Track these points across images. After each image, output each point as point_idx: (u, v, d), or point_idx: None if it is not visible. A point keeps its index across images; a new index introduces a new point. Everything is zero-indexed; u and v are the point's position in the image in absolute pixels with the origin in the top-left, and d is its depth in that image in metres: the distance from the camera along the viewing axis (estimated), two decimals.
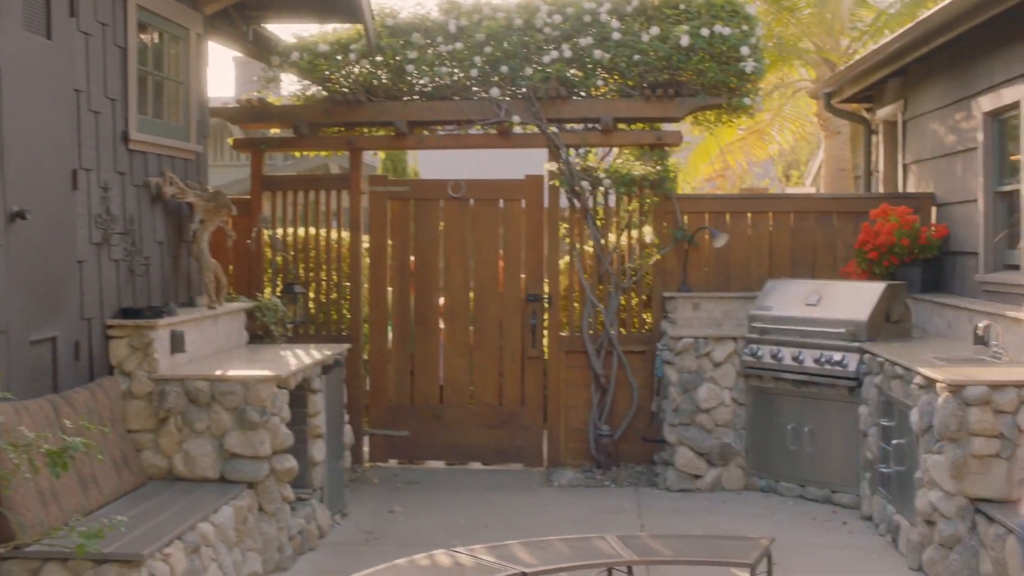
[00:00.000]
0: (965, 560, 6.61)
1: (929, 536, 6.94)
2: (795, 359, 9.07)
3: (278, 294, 10.21)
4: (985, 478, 6.58)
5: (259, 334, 9.50)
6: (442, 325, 10.62)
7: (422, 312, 10.62)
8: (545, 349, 10.47)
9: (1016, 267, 8.49)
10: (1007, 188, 8.76)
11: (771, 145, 18.48)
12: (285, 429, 7.32)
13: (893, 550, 7.68)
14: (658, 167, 10.16)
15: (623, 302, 10.35)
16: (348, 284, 10.58)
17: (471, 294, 10.55)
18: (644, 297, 10.44)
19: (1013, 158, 8.67)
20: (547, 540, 5.87)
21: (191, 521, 6.21)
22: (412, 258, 10.63)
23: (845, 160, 15.26)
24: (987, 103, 8.90)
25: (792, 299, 9.40)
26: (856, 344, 8.76)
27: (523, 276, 10.45)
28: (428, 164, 21.27)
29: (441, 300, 10.63)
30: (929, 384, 6.98)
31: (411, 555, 5.65)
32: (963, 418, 6.58)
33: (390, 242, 10.59)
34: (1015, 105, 8.39)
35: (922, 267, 9.91)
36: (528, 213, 10.45)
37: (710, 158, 18.32)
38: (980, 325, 7.81)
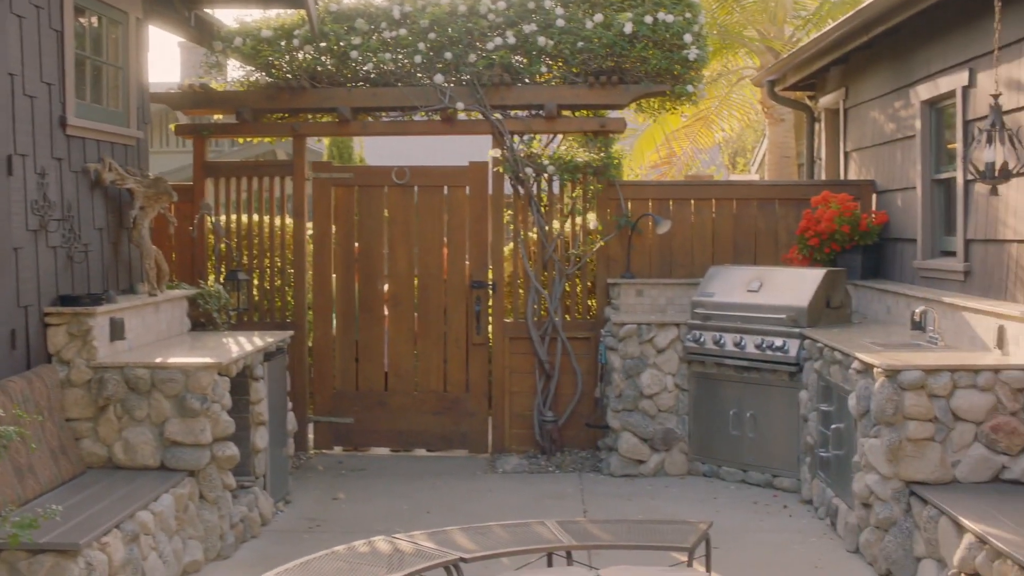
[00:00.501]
0: (900, 541, 6.70)
1: (866, 519, 7.03)
2: (737, 345, 9.14)
3: (221, 281, 10.14)
4: (920, 461, 6.67)
5: (202, 321, 9.45)
6: (387, 312, 10.59)
7: (367, 299, 10.58)
8: (490, 335, 10.48)
9: (952, 254, 8.61)
10: (944, 176, 8.87)
11: (717, 132, 18.58)
12: (226, 417, 7.29)
13: (832, 533, 7.78)
14: (602, 154, 10.19)
15: (567, 288, 10.38)
16: (292, 271, 10.52)
17: (416, 281, 10.53)
18: (588, 283, 10.47)
19: (950, 146, 8.78)
20: (486, 526, 5.88)
21: (130, 510, 6.18)
22: (356, 245, 10.59)
23: (789, 147, 15.38)
24: (925, 92, 9.00)
25: (734, 285, 9.47)
26: (797, 330, 8.84)
27: (467, 263, 10.44)
28: (375, 150, 21.20)
29: (385, 287, 10.60)
30: (866, 369, 7.07)
31: (353, 541, 5.64)
32: (899, 402, 6.66)
33: (334, 229, 10.54)
34: (951, 94, 8.50)
35: (863, 253, 10.03)
36: (472, 200, 10.44)
37: (656, 145, 18.39)
38: (917, 311, 7.92)
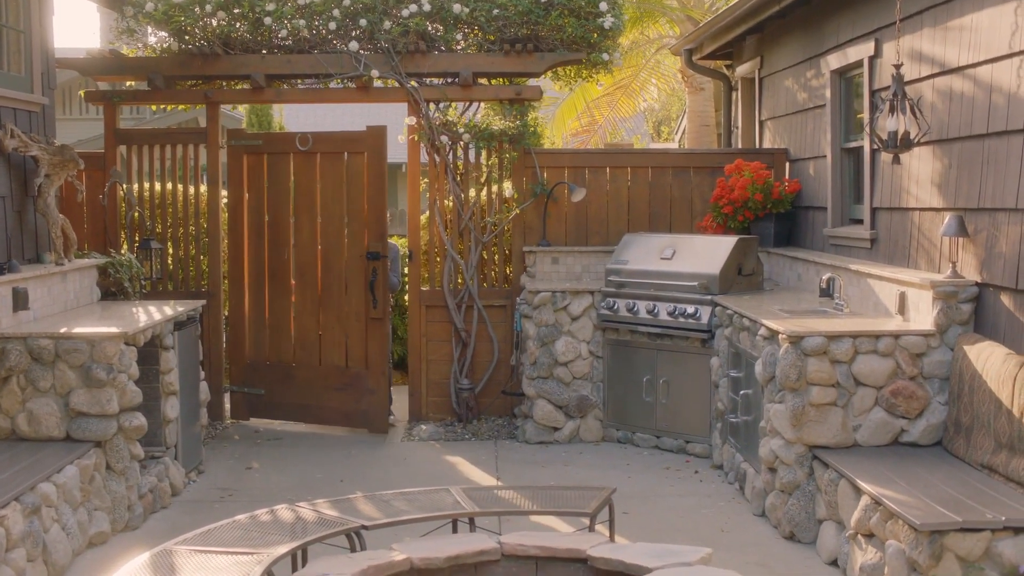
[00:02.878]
0: (803, 504, 6.82)
1: (771, 483, 7.14)
2: (650, 312, 9.21)
3: (135, 251, 10.02)
4: (822, 426, 6.78)
5: (113, 291, 9.32)
6: (293, 283, 10.46)
7: (275, 269, 10.43)
8: (405, 303, 10.44)
9: (860, 221, 8.73)
10: (853, 145, 8.98)
11: (638, 101, 18.63)
12: (134, 386, 7.22)
13: (740, 497, 7.89)
14: (518, 122, 10.19)
15: (484, 256, 10.39)
16: (207, 240, 10.42)
17: (319, 251, 10.31)
18: (505, 251, 10.49)
19: (859, 116, 8.89)
20: (390, 493, 5.88)
21: (31, 481, 6.10)
22: (266, 213, 10.46)
23: (709, 116, 15.48)
24: (834, 61, 9.10)
25: (648, 253, 9.53)
26: (708, 297, 8.93)
27: (366, 232, 10.19)
28: (298, 119, 21.03)
29: (292, 257, 10.42)
30: (772, 335, 7.16)
31: (257, 510, 5.62)
32: (802, 368, 6.76)
33: (247, 197, 10.43)
34: (859, 64, 8.60)
35: (775, 221, 10.14)
36: (370, 167, 10.14)
37: (577, 113, 18.42)
38: (824, 278, 8.03)
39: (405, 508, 5.67)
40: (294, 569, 5.23)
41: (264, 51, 10.18)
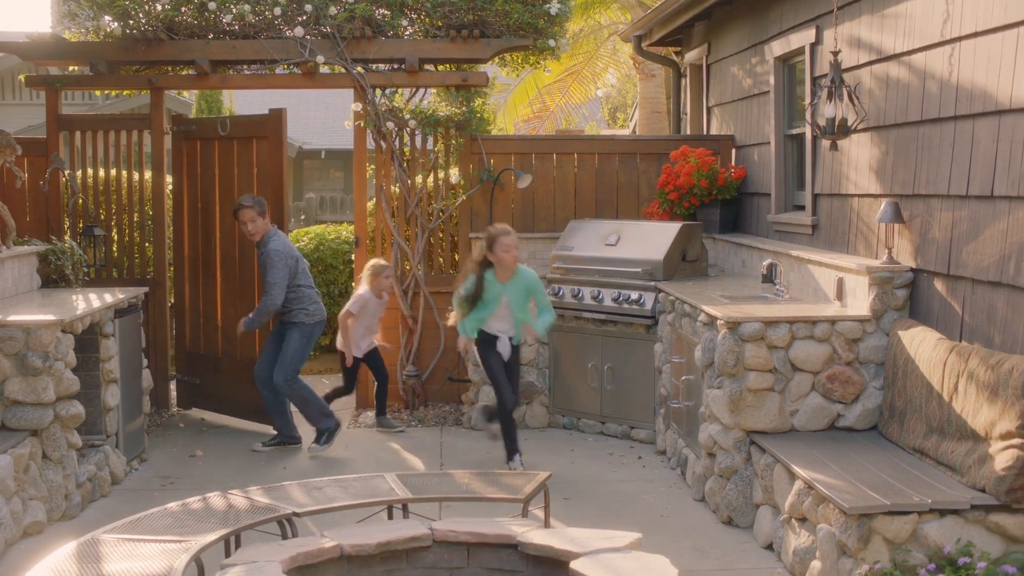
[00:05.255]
0: (740, 489, 6.87)
1: (710, 468, 7.18)
2: (595, 298, 9.23)
3: (78, 238, 9.93)
4: (759, 411, 6.83)
5: (55, 279, 9.23)
6: (219, 271, 10.25)
7: (205, 257, 10.27)
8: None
9: (802, 208, 8.79)
10: (796, 131, 9.03)
11: (590, 87, 18.64)
12: (71, 375, 7.16)
13: (682, 482, 7.93)
14: (464, 108, 10.17)
15: (431, 243, 10.37)
16: (152, 226, 10.34)
17: (237, 239, 9.96)
18: (452, 238, 10.48)
19: (802, 102, 8.93)
20: (324, 480, 5.88)
21: None
22: (199, 200, 10.33)
23: (660, 103, 15.51)
24: (778, 48, 9.14)
25: (593, 239, 9.55)
26: (652, 283, 8.96)
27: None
28: (251, 105, 20.85)
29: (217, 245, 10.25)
30: (711, 321, 7.19)
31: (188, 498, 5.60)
32: (739, 353, 6.80)
33: (187, 183, 10.34)
34: (801, 51, 8.65)
35: (721, 207, 10.19)
36: (270, 152, 9.84)
37: (528, 100, 18.42)
38: (764, 264, 8.08)
39: (339, 495, 5.67)
40: (227, 556, 5.21)
41: (210, 36, 10.09)
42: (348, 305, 9.44)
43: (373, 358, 9.62)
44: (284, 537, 5.31)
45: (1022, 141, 5.61)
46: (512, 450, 8.15)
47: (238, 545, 5.31)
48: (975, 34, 6.07)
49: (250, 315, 9.00)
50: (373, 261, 9.55)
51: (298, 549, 4.83)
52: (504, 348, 8.11)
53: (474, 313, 8.06)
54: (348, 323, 9.34)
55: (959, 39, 6.25)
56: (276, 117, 9.90)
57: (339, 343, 9.48)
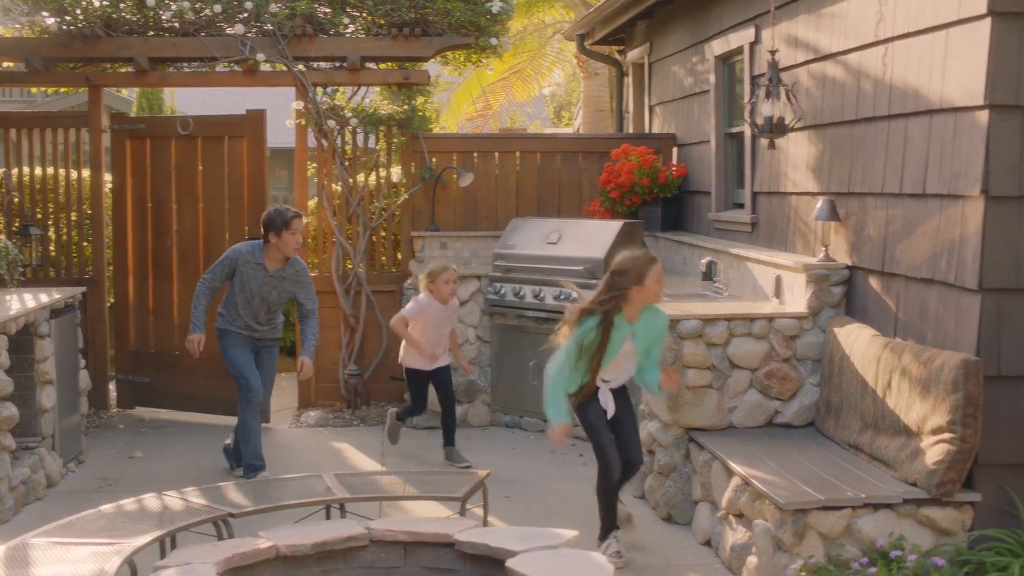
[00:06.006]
0: (679, 486, 6.90)
1: (650, 465, 7.21)
2: (536, 297, 9.24)
3: (13, 237, 9.79)
4: (698, 408, 6.86)
5: None
6: (175, 269, 10.28)
7: (158, 255, 10.29)
8: None
9: (742, 206, 8.85)
10: (735, 130, 9.09)
11: (534, 86, 18.67)
12: (3, 376, 7.07)
13: None
14: (406, 106, 10.15)
15: (373, 241, 10.34)
16: (91, 225, 10.23)
17: (201, 236, 10.18)
18: (394, 237, 10.46)
19: (742, 101, 9.00)
20: (260, 481, 5.85)
21: None
22: (149, 198, 10.28)
23: (604, 101, 15.57)
24: (718, 47, 9.19)
25: (534, 238, 9.56)
26: (594, 281, 8.92)
27: (246, 217, 10.09)
28: (194, 103, 20.67)
29: (174, 243, 10.26)
30: None
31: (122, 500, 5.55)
32: (678, 351, 6.83)
33: (130, 182, 10.25)
34: (740, 50, 8.70)
35: (663, 206, 10.24)
36: (250, 151, 10.04)
37: (472, 98, 18.41)
38: (703, 262, 8.13)
39: (276, 495, 5.64)
40: (163, 558, 5.16)
41: (149, 33, 10.00)
42: (403, 310, 8.52)
43: (441, 377, 8.56)
44: (220, 538, 5.27)
45: (952, 140, 5.68)
46: (609, 527, 6.29)
47: (174, 547, 5.26)
48: (907, 35, 6.14)
49: (310, 347, 8.11)
50: (433, 264, 8.57)
51: (233, 550, 4.79)
52: (608, 402, 6.27)
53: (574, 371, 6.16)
54: (400, 328, 8.36)
55: (892, 40, 6.32)
56: (257, 117, 10.03)
57: (401, 356, 8.61)
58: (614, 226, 9.28)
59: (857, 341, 6.35)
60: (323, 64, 10.34)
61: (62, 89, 11.12)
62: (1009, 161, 5.39)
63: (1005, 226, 5.42)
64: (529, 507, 7.31)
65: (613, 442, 6.18)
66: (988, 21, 5.35)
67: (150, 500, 5.49)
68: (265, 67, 10.11)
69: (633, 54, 12.48)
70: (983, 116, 5.42)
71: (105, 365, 10.22)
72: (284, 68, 10.08)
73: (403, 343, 8.49)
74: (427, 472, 6.26)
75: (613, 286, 6.03)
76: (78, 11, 9.81)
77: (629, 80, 12.99)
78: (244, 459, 7.90)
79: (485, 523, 5.90)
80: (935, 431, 5.44)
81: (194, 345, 8.04)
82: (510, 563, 4.56)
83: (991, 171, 5.38)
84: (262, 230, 7.92)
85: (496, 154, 10.56)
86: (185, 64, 10.46)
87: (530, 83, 18.18)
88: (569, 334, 6.14)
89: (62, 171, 10.27)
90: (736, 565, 5.96)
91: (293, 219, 7.86)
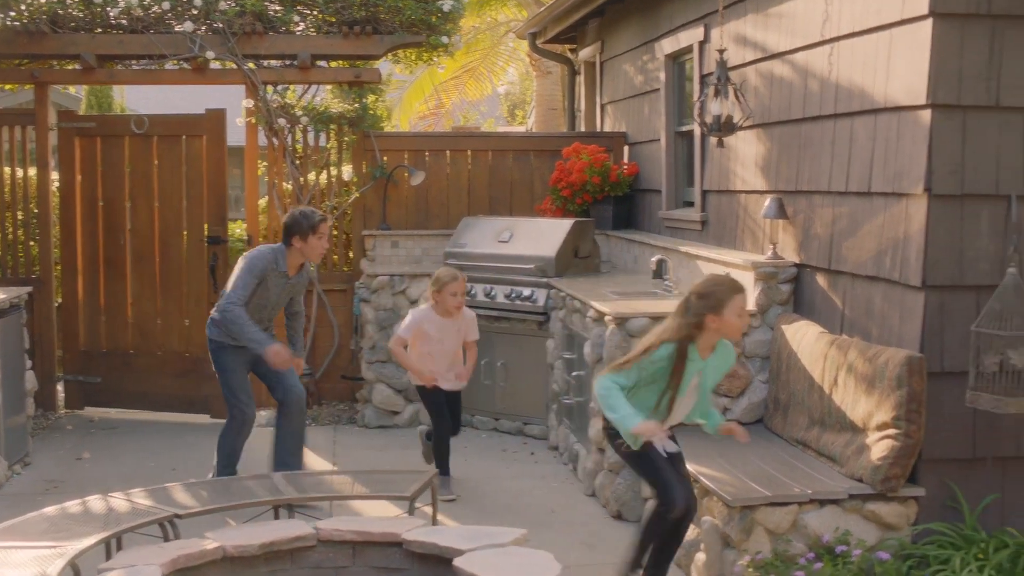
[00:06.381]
0: (629, 484, 6.93)
1: (600, 462, 7.23)
2: (488, 295, 9.24)
3: None
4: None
5: None
6: (129, 268, 10.21)
7: (110, 254, 10.22)
8: None
9: (692, 204, 8.89)
10: (685, 128, 9.14)
11: (488, 85, 18.67)
12: None
13: (573, 478, 7.98)
14: (356, 104, 10.12)
15: None
16: (37, 224, 10.12)
17: (157, 236, 10.14)
18: (345, 235, 10.42)
19: (692, 100, 9.04)
20: (209, 481, 5.81)
21: None
22: (100, 197, 10.20)
23: (556, 100, 15.60)
24: (668, 46, 9.23)
25: (486, 236, 9.57)
26: (544, 280, 9.00)
27: (205, 217, 10.09)
28: (144, 101, 20.51)
29: (128, 242, 10.19)
30: (600, 317, 7.25)
31: (66, 502, 5.49)
32: (627, 349, 6.83)
33: (79, 180, 10.16)
34: (689, 49, 8.74)
35: (614, 204, 10.27)
36: (210, 150, 10.01)
37: (424, 96, 18.39)
38: (653, 260, 8.16)
39: (224, 495, 5.60)
40: (108, 561, 5.12)
41: (97, 30, 9.90)
42: (399, 327, 7.65)
43: (452, 404, 7.70)
44: (166, 539, 5.23)
45: (896, 139, 5.74)
46: (636, 562, 5.52)
47: (119, 549, 5.21)
48: (852, 35, 6.19)
49: (297, 351, 7.77)
50: (441, 270, 7.62)
51: (179, 551, 4.76)
52: (668, 442, 5.52)
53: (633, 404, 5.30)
54: (398, 351, 7.51)
55: (837, 39, 6.38)
56: (217, 117, 10.00)
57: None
58: (565, 224, 9.30)
59: (804, 338, 6.40)
60: (273, 62, 10.28)
61: (7, 86, 10.95)
62: (951, 160, 5.45)
63: (947, 224, 5.49)
64: (481, 505, 7.31)
65: (679, 480, 5.40)
66: (930, 22, 5.41)
67: (95, 502, 5.44)
68: (215, 65, 10.02)
69: (585, 53, 12.51)
70: (926, 115, 5.47)
71: (52, 366, 10.12)
72: (234, 66, 10.01)
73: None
74: (377, 471, 6.25)
75: (690, 310, 5.26)
76: (23, 7, 9.71)
77: (581, 79, 13.02)
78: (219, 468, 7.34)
79: (434, 522, 5.89)
80: (880, 427, 5.50)
81: (284, 355, 7.19)
82: (457, 562, 4.56)
83: (933, 170, 5.44)
84: (284, 233, 7.26)
85: (447, 152, 10.56)
86: (133, 61, 10.36)
87: (483, 82, 18.18)
88: (638, 360, 5.26)
89: (8, 169, 10.15)
90: (685, 561, 5.99)
91: (321, 223, 7.20)
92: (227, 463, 7.43)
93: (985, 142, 5.47)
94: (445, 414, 7.54)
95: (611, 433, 5.49)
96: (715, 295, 5.23)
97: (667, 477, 5.35)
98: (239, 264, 7.24)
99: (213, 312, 7.40)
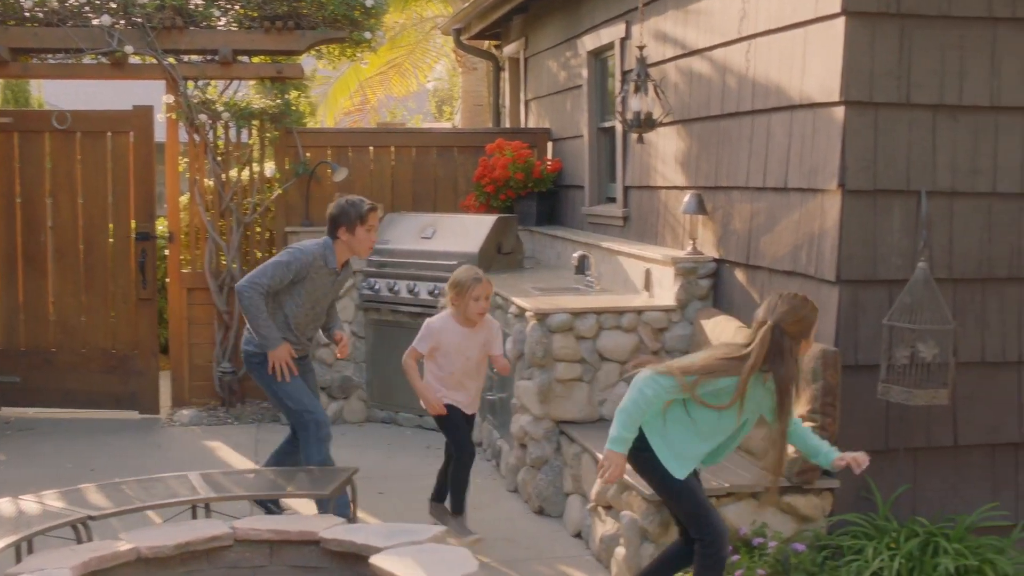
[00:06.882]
0: (551, 479, 6.94)
1: (522, 458, 7.24)
2: (411, 291, 9.21)
3: None
4: (568, 401, 6.91)
5: None
6: (51, 265, 10.04)
7: (30, 252, 10.04)
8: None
9: (614, 200, 8.93)
10: (608, 124, 9.18)
11: (415, 81, 18.61)
12: None
13: (496, 474, 7.98)
14: (279, 100, 10.04)
15: (248, 237, 10.21)
16: None
17: (81, 233, 10.03)
18: (268, 232, 10.34)
19: (614, 96, 9.07)
20: (123, 481, 5.72)
21: None
22: (18, 194, 10.03)
23: (482, 96, 15.59)
24: (590, 42, 9.27)
25: (409, 233, 9.54)
26: None
27: (133, 213, 10.03)
28: (63, 96, 20.15)
29: (49, 239, 10.04)
30: (521, 313, 7.25)
31: None
32: (548, 345, 6.86)
33: None
34: (611, 46, 8.78)
35: (538, 200, 10.29)
36: (137, 147, 9.97)
37: (349, 93, 18.29)
38: (575, 256, 8.19)
39: (139, 496, 5.52)
40: (17, 564, 5.03)
41: (11, 23, 9.71)
42: (416, 339, 6.43)
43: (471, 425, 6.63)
44: (79, 542, 5.14)
45: (811, 136, 5.81)
46: None
47: (31, 552, 5.12)
48: (768, 32, 6.26)
49: (337, 325, 6.88)
50: (460, 271, 6.43)
51: (91, 554, 4.69)
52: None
53: (690, 444, 4.75)
54: (411, 368, 6.36)
55: (755, 36, 6.44)
56: (144, 113, 9.96)
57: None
58: (488, 220, 9.31)
59: (723, 333, 6.45)
60: (195, 57, 10.16)
61: None
62: (864, 156, 5.53)
63: (861, 219, 5.56)
64: (403, 503, 7.29)
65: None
66: (842, 20, 5.48)
67: (5, 504, 5.33)
68: (134, 60, 9.91)
69: (509, 49, 12.52)
70: (839, 112, 5.55)
71: None
72: (154, 61, 9.88)
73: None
74: (296, 469, 6.20)
75: (776, 340, 4.61)
76: None
77: (506, 75, 13.03)
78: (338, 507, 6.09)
79: (353, 520, 5.86)
80: None
81: (285, 361, 6.35)
82: (373, 559, 4.54)
83: (847, 166, 5.52)
84: (329, 225, 6.43)
85: (371, 148, 10.51)
86: (50, 56, 10.18)
87: (408, 78, 18.12)
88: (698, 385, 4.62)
89: None
90: (605, 556, 6.02)
91: (370, 212, 6.40)
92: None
93: (896, 139, 5.56)
94: (467, 440, 6.47)
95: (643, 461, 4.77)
96: (809, 319, 4.73)
97: (709, 510, 4.78)
98: (279, 254, 6.46)
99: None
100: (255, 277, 6.25)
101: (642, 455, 4.74)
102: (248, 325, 6.38)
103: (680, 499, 4.78)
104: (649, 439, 4.71)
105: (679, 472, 4.69)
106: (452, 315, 6.31)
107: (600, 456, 6.03)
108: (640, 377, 4.67)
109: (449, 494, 6.58)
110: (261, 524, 5.07)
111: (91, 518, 5.16)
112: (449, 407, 6.34)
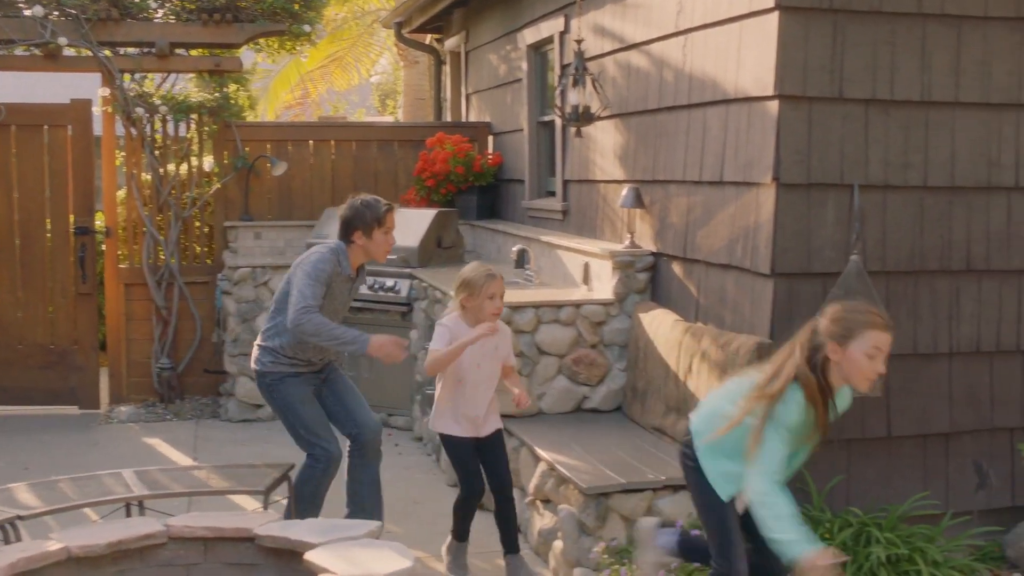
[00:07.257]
0: None
1: None
2: None
3: None
4: (507, 395, 6.88)
5: None
6: None
7: None
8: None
9: (554, 194, 8.94)
10: (547, 118, 9.18)
11: (357, 74, 18.52)
12: None
13: (437, 468, 7.97)
14: (217, 94, 9.95)
15: (186, 232, 10.11)
16: None
17: (16, 228, 9.90)
18: (207, 227, 10.25)
19: (553, 90, 9.07)
20: (57, 480, 5.65)
21: None
22: None
23: (424, 90, 15.54)
24: (530, 36, 9.26)
25: None
26: (407, 270, 8.97)
27: (71, 207, 9.93)
28: (9, 88, 19.86)
29: None
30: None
31: None
32: None
33: None
34: (551, 39, 8.79)
35: (479, 194, 10.29)
36: (75, 140, 9.87)
37: (291, 86, 18.17)
38: (514, 249, 8.19)
39: (71, 495, 5.46)
40: None
41: None
42: (432, 341, 5.76)
43: (494, 448, 5.88)
44: (7, 542, 5.07)
45: (747, 130, 5.84)
46: None
47: None
48: (704, 26, 6.29)
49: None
50: (470, 269, 5.72)
51: (19, 554, 4.60)
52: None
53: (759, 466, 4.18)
54: (435, 369, 5.75)
55: (691, 30, 6.46)
56: (82, 107, 9.85)
57: (431, 417, 6.04)
58: (428, 214, 9.29)
59: (660, 326, 6.48)
60: (131, 50, 10.06)
61: None
62: (798, 150, 5.56)
63: (795, 213, 5.60)
64: (342, 499, 7.21)
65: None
66: (776, 15, 5.52)
67: None
68: (69, 52, 9.77)
69: (450, 42, 12.49)
70: (773, 106, 5.58)
71: None
72: (89, 53, 9.76)
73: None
74: (234, 466, 6.15)
75: (816, 341, 4.13)
76: None
77: (447, 68, 13.00)
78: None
79: (291, 515, 5.82)
80: None
81: (391, 347, 5.82)
82: (308, 555, 4.51)
83: (781, 160, 5.55)
84: (342, 229, 5.97)
85: (311, 142, 10.45)
86: None
87: (350, 71, 18.02)
88: (766, 417, 4.13)
89: None
90: (543, 550, 6.02)
91: (387, 213, 5.94)
92: (310, 505, 6.02)
93: (829, 133, 5.61)
94: (476, 469, 5.85)
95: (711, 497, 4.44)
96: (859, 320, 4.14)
97: (738, 546, 4.39)
98: (297, 274, 5.83)
99: (261, 340, 6.04)
100: (299, 303, 5.64)
101: (690, 466, 4.53)
102: (324, 341, 5.77)
103: (715, 526, 4.46)
104: (699, 457, 4.48)
105: (724, 493, 4.41)
106: (461, 318, 5.66)
107: (539, 450, 6.06)
108: (755, 489, 4.13)
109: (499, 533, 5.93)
110: (195, 521, 5.01)
111: (20, 518, 5.10)
112: (449, 437, 5.83)
